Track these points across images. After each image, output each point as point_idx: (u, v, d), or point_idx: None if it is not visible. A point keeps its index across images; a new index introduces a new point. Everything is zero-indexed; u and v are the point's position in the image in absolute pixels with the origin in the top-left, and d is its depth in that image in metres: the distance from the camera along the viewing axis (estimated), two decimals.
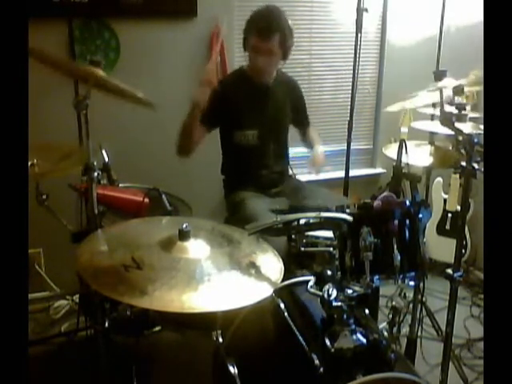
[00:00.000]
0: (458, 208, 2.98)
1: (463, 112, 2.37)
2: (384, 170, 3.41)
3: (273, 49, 2.22)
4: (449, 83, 1.56)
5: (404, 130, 2.46)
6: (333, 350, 1.38)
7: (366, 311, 1.64)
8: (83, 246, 1.41)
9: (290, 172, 2.64)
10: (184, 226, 1.39)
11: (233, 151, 2.43)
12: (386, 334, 1.50)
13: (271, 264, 1.44)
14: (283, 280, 1.40)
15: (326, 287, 1.51)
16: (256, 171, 2.43)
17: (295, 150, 2.83)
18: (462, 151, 1.43)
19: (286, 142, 2.56)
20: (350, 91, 2.73)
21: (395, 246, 1.47)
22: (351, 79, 2.71)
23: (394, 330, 1.56)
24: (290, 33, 2.26)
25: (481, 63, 1.20)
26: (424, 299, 2.43)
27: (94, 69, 1.65)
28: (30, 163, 1.81)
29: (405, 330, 2.11)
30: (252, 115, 2.36)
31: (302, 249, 1.75)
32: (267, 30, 2.19)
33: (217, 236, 1.52)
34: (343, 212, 1.49)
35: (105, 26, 2.67)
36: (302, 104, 2.56)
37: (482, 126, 2.27)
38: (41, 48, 1.53)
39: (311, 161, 2.43)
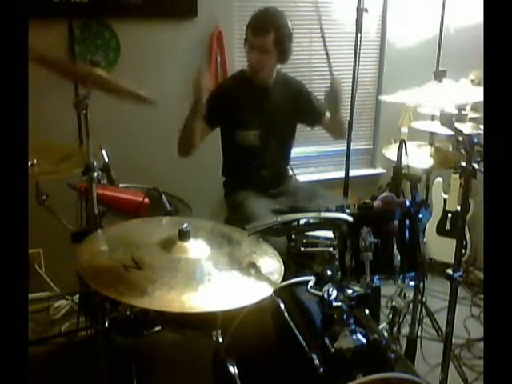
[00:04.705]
0: (458, 208, 2.98)
1: (463, 112, 2.38)
2: (384, 171, 3.41)
3: (266, 46, 2.23)
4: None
5: (404, 130, 2.46)
6: (333, 349, 1.38)
7: (366, 311, 1.64)
8: (83, 246, 1.41)
9: (291, 172, 2.64)
10: (184, 226, 1.39)
11: (234, 151, 2.43)
12: (386, 334, 1.50)
13: (271, 264, 1.44)
14: (283, 280, 1.40)
15: (326, 287, 1.51)
16: (256, 171, 2.43)
17: (295, 150, 2.83)
18: (462, 151, 1.43)
19: (288, 143, 2.55)
20: (350, 91, 2.73)
21: (395, 246, 1.47)
22: (351, 79, 2.71)
23: (394, 330, 1.56)
24: (287, 34, 2.26)
25: (481, 63, 1.20)
26: (424, 299, 2.43)
27: (94, 69, 1.65)
28: (30, 163, 1.82)
29: (405, 330, 2.11)
30: (253, 115, 2.36)
31: (302, 249, 1.75)
32: (261, 27, 2.22)
33: (217, 236, 1.52)
34: (343, 212, 1.49)
35: (105, 26, 2.67)
36: (308, 101, 2.48)
37: (481, 126, 2.28)
38: (41, 51, 1.54)
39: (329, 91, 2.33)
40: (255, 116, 2.36)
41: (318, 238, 1.74)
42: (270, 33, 2.21)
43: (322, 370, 1.37)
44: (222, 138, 2.45)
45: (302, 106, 2.48)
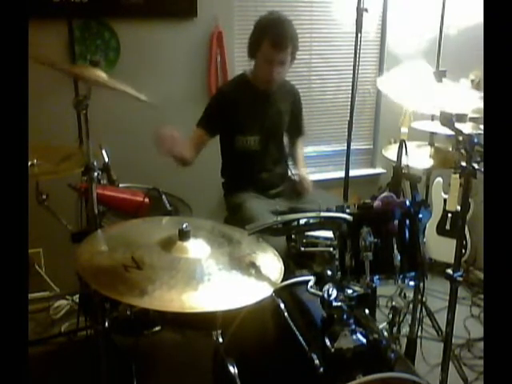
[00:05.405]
0: (458, 208, 2.98)
1: (463, 112, 2.37)
2: (384, 170, 3.41)
3: (286, 59, 2.25)
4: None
5: (404, 130, 2.46)
6: (333, 349, 1.38)
7: (366, 311, 1.64)
8: (83, 246, 1.41)
9: (290, 173, 2.64)
10: (184, 225, 1.39)
11: (234, 155, 2.42)
12: (386, 333, 1.50)
13: (271, 264, 1.44)
14: (283, 280, 1.40)
15: (326, 287, 1.51)
16: (257, 175, 2.43)
17: None
18: (462, 151, 1.43)
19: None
20: (350, 91, 2.73)
21: (395, 246, 1.47)
22: (351, 79, 2.71)
23: (394, 330, 1.56)
24: (297, 40, 2.28)
25: (481, 64, 1.20)
26: (424, 299, 2.43)
27: (94, 69, 1.65)
28: (30, 163, 1.82)
29: (405, 330, 2.11)
30: (254, 121, 2.35)
31: (302, 249, 1.75)
32: (283, 42, 2.20)
33: (217, 236, 1.52)
34: (343, 212, 1.49)
35: (105, 26, 2.67)
36: (298, 113, 2.55)
37: (481, 126, 2.28)
38: (41, 54, 1.54)
39: (298, 185, 2.43)
40: (256, 121, 2.36)
41: (317, 238, 1.74)
42: (289, 47, 2.21)
43: (322, 369, 1.37)
44: (222, 142, 2.44)
45: (293, 115, 2.51)
